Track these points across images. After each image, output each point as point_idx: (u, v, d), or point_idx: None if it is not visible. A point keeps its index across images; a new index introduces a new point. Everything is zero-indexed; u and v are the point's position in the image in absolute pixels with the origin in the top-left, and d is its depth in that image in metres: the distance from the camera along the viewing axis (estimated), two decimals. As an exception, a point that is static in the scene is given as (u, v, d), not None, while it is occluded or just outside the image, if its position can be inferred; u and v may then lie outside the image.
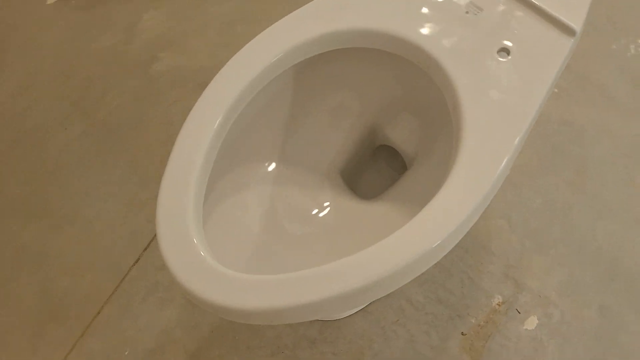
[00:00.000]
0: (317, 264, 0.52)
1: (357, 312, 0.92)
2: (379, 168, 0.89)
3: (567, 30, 0.64)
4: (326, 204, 0.76)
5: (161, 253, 0.55)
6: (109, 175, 1.05)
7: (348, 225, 0.74)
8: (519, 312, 0.91)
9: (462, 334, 0.90)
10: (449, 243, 0.55)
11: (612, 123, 1.02)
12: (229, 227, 0.68)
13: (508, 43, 0.64)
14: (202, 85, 1.12)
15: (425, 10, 0.66)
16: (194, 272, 0.54)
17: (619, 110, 1.02)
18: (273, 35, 0.66)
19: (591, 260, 0.93)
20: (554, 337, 0.88)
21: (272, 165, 0.74)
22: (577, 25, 0.64)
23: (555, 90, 1.06)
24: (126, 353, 0.92)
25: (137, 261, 0.98)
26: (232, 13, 1.18)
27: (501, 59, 0.63)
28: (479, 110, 0.60)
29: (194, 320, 0.93)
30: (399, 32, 0.65)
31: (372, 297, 0.55)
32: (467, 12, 0.66)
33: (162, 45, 1.17)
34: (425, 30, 0.65)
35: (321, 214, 0.74)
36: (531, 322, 0.90)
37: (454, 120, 0.61)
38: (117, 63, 1.16)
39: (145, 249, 0.99)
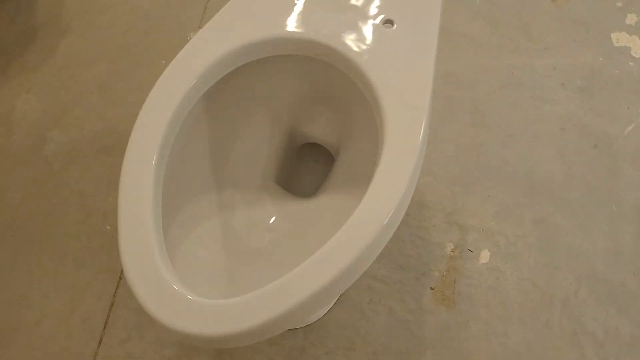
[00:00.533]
0: (287, 269, 0.54)
1: (332, 307, 0.95)
2: (309, 166, 0.93)
3: None
4: (273, 212, 0.78)
5: (136, 296, 0.54)
6: (39, 272, 0.99)
7: (300, 226, 0.77)
8: (472, 251, 0.98)
9: (431, 288, 0.96)
10: (400, 211, 0.59)
11: (484, 62, 1.13)
12: (196, 265, 0.68)
13: (389, 14, 0.70)
14: (103, 150, 1.10)
15: (309, 8, 0.70)
16: (166, 305, 0.54)
17: (485, 50, 1.14)
18: (178, 69, 0.67)
19: (511, 183, 1.02)
20: (508, 260, 0.97)
21: (213, 194, 0.75)
22: None
23: (429, 49, 1.16)
24: None
25: (100, 343, 0.94)
26: (104, 73, 1.16)
27: (388, 29, 0.69)
28: (386, 80, 0.65)
29: (181, 376, 0.91)
30: (290, 34, 0.69)
31: (340, 289, 0.57)
32: None
33: (48, 126, 1.12)
34: (316, 26, 0.69)
35: (271, 222, 0.76)
36: (484, 256, 0.97)
37: (369, 97, 0.66)
38: (5, 158, 1.10)
39: (105, 327, 0.95)
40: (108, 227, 1.02)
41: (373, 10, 0.70)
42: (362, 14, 0.70)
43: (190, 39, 0.70)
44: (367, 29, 0.69)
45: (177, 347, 0.93)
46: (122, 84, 1.15)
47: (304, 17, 0.69)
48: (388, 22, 0.69)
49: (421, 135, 0.62)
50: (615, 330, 0.90)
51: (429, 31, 0.69)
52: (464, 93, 1.11)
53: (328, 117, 0.84)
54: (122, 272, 1.00)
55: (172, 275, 0.55)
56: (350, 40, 0.67)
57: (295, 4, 0.70)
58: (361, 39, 0.68)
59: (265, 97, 0.80)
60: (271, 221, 0.77)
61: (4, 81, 1.16)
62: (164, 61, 1.16)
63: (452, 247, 0.98)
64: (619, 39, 1.14)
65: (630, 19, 1.16)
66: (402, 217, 0.61)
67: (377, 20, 0.69)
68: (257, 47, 0.68)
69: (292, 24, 0.69)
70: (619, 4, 1.18)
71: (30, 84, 1.16)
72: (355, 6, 0.70)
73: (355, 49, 0.67)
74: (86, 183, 1.06)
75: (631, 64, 1.12)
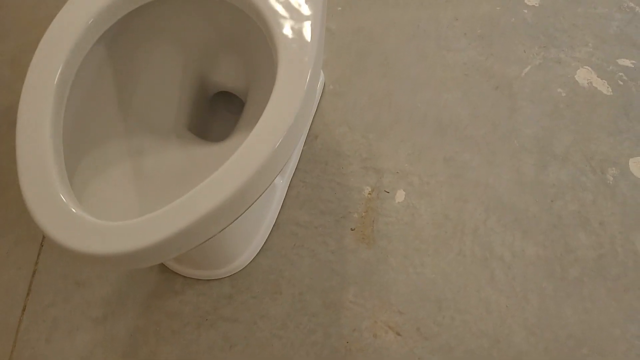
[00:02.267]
0: None
1: (257, 254, 0.97)
2: (222, 115, 0.95)
3: None
4: (181, 156, 0.80)
5: (37, 223, 0.55)
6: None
7: (207, 166, 0.79)
8: (388, 192, 1.03)
9: (351, 229, 1.00)
10: (290, 139, 0.62)
11: (391, 16, 1.18)
12: (105, 205, 0.69)
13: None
14: (15, 124, 1.08)
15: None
16: (65, 226, 0.55)
17: (391, 5, 1.20)
18: (69, 14, 0.68)
19: (422, 126, 1.08)
20: (422, 198, 1.02)
21: (122, 139, 0.76)
22: None
23: (339, 8, 1.20)
24: (54, 398, 0.87)
25: (24, 309, 0.93)
26: (14, 47, 1.14)
27: None
28: (279, 14, 0.68)
29: (109, 334, 0.91)
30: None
31: (236, 210, 0.60)
32: None
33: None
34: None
35: (180, 165, 0.78)
36: (400, 195, 1.02)
37: (264, 31, 0.68)
38: None
39: (28, 294, 0.94)
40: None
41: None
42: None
43: None
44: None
45: (104, 307, 0.93)
46: (30, 58, 1.13)
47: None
48: None
49: (309, 71, 0.64)
50: (521, 252, 0.97)
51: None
52: (374, 47, 1.16)
53: (236, 64, 0.86)
54: (43, 238, 0.99)
55: (72, 200, 0.57)
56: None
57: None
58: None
59: (172, 41, 0.81)
60: (179, 164, 0.79)
61: None
62: (75, 31, 1.15)
63: (369, 189, 1.03)
64: (514, -11, 1.22)
65: (523, -29, 1.25)
66: (296, 141, 0.64)
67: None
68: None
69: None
70: (512, -42, 1.26)
71: None
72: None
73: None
74: (1, 155, 1.04)
75: (525, 11, 1.20)
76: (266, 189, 0.62)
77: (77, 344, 0.91)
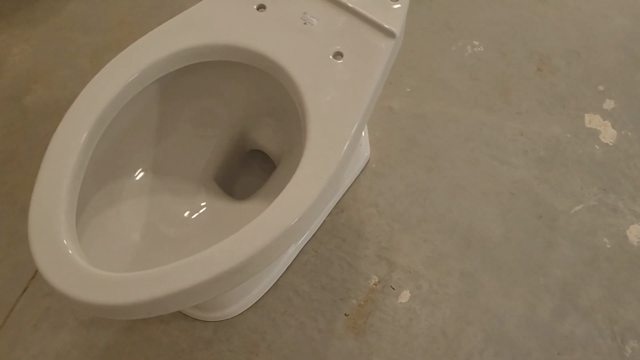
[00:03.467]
0: None
1: (248, 308, 0.98)
2: (253, 171, 0.97)
3: (389, 34, 0.75)
4: (201, 206, 0.82)
5: (33, 257, 0.58)
6: (-13, 210, 1.05)
7: (222, 224, 0.81)
8: (394, 289, 1.01)
9: (345, 314, 0.98)
10: (306, 220, 0.63)
11: (456, 112, 1.16)
12: (106, 239, 0.72)
13: (341, 47, 0.74)
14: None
15: (268, 25, 0.75)
16: (64, 273, 0.58)
17: (460, 101, 1.17)
18: (132, 53, 0.72)
19: (449, 233, 1.05)
20: (425, 305, 0.99)
21: (146, 177, 0.79)
22: (396, 28, 0.75)
23: (408, 89, 1.19)
24: (20, 383, 0.92)
25: (24, 291, 0.98)
26: (99, 42, 1.22)
27: (337, 61, 0.73)
28: (321, 106, 0.69)
29: (89, 341, 0.95)
30: (248, 45, 0.73)
31: (231, 283, 0.61)
32: (304, 23, 0.75)
33: (34, 78, 1.18)
34: (270, 42, 0.73)
35: (196, 216, 0.80)
36: (404, 296, 1.00)
37: (301, 117, 0.70)
38: (-13, 98, 1.16)
39: (32, 278, 0.99)
40: (62, 185, 1.07)
41: (328, 40, 0.74)
42: (317, 41, 0.74)
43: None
44: (317, 56, 0.72)
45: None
46: (114, 55, 1.20)
47: (261, 31, 0.74)
48: (338, 53, 0.73)
49: (341, 156, 0.65)
50: (508, 396, 0.92)
51: (373, 71, 0.72)
52: (429, 138, 1.14)
53: (275, 129, 0.88)
54: (63, 229, 1.04)
55: (76, 249, 0.59)
56: (297, 61, 0.72)
57: (257, 19, 0.75)
58: (309, 64, 0.72)
59: (221, 97, 0.84)
60: (194, 215, 0.81)
61: (6, 27, 1.22)
62: (157, 43, 1.21)
63: (377, 280, 1.01)
64: (592, 120, 1.16)
65: (608, 104, 1.19)
66: (314, 219, 0.65)
67: (328, 50, 0.73)
68: (209, 49, 0.72)
69: (250, 36, 0.73)
70: (601, 87, 1.21)
71: (29, 35, 1.22)
72: (312, 33, 0.74)
73: (301, 71, 0.71)
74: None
75: (597, 147, 1.14)
76: (276, 259, 0.64)
77: (58, 340, 0.95)
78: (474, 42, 1.24)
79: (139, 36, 1.23)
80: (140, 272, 0.58)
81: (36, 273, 1.00)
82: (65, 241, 0.59)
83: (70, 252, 0.58)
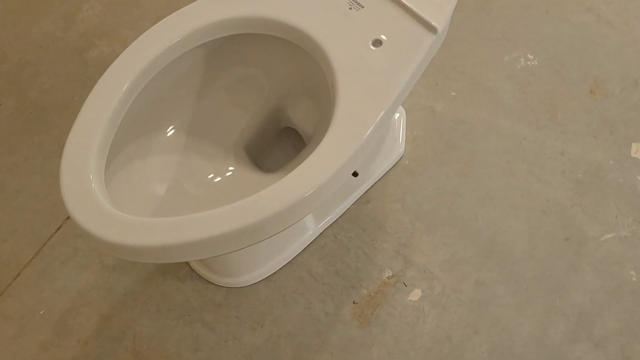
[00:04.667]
0: None
1: (261, 280, 1.01)
2: (285, 149, 0.99)
3: (431, 28, 0.75)
4: (228, 172, 0.86)
5: (62, 197, 0.63)
6: (36, 151, 1.12)
7: (244, 191, 0.83)
8: (406, 285, 1.01)
9: (354, 302, 1.00)
10: (320, 194, 0.65)
11: (499, 123, 1.15)
12: (132, 187, 0.76)
13: (381, 36, 0.75)
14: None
15: (315, 4, 0.77)
16: (91, 214, 0.62)
17: (505, 113, 1.16)
18: (179, 18, 0.75)
19: (472, 240, 1.04)
20: (435, 307, 0.99)
21: (179, 135, 0.83)
22: (439, 25, 0.75)
23: (453, 93, 1.19)
24: (41, 312, 0.98)
25: (58, 229, 1.04)
26: (166, 7, 1.27)
27: (374, 48, 0.74)
28: (352, 89, 0.71)
29: (109, 284, 1.00)
30: (291, 21, 0.75)
31: (244, 241, 0.64)
32: (350, 8, 0.77)
33: (99, 34, 1.24)
34: (314, 21, 0.75)
35: (219, 180, 0.83)
36: (416, 294, 1.00)
37: (332, 97, 0.72)
38: (54, 48, 1.23)
39: (67, 218, 1.05)
40: (108, 137, 1.13)
41: (370, 27, 0.75)
42: (359, 26, 0.75)
43: None
44: (356, 41, 0.74)
45: (117, 261, 1.02)
46: (175, 23, 1.26)
47: (306, 10, 0.76)
48: (377, 41, 0.74)
49: (364, 137, 0.67)
50: (503, 411, 0.91)
51: (408, 63, 0.73)
52: (467, 144, 1.13)
53: (309, 108, 0.90)
54: (102, 178, 1.10)
55: (101, 190, 0.64)
56: (336, 43, 0.73)
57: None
58: (347, 47, 0.73)
59: (264, 68, 0.87)
60: (218, 179, 0.84)
61: (80, -16, 1.30)
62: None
63: (390, 274, 1.02)
64: (639, 150, 1.12)
65: (659, 136, 1.15)
66: (317, 202, 0.67)
67: (368, 37, 0.75)
68: (255, 22, 0.75)
69: (293, 13, 0.75)
70: (655, 118, 1.16)
71: (100, -6, 1.29)
72: (356, 18, 0.76)
73: (338, 52, 0.73)
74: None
75: (639, 177, 1.10)
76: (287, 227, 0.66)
77: (81, 279, 1.01)
78: (529, 55, 1.22)
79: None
80: (156, 219, 0.62)
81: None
82: (93, 184, 0.63)
83: (95, 191, 0.62)
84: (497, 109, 1.17)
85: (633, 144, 1.13)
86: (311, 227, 1.02)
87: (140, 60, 0.72)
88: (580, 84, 1.19)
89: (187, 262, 1.02)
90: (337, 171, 0.66)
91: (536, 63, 1.22)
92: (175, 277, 1.01)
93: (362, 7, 0.77)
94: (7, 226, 1.05)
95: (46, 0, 1.29)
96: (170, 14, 1.16)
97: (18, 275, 1.01)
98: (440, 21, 0.76)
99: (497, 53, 1.23)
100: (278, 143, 0.99)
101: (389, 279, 1.02)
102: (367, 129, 0.68)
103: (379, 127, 0.70)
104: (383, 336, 0.97)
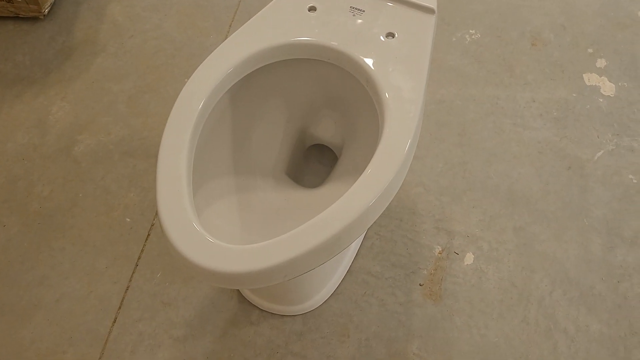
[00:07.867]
0: None
1: (329, 297, 1.04)
2: (313, 166, 1.04)
3: (429, 10, 0.85)
4: (283, 196, 0.89)
5: (163, 231, 0.64)
6: (60, 257, 1.08)
7: (306, 208, 0.88)
8: (457, 254, 1.08)
9: (420, 285, 1.05)
10: (388, 192, 0.71)
11: (472, 93, 1.28)
12: (213, 230, 0.78)
13: (391, 29, 0.84)
14: (127, 153, 1.22)
15: (323, 21, 0.84)
16: (194, 246, 0.64)
17: (473, 83, 1.29)
18: (212, 64, 0.80)
19: (494, 196, 1.14)
20: (490, 263, 1.07)
21: (231, 177, 0.86)
22: (433, 5, 0.86)
23: (423, 81, 1.30)
24: (132, 406, 0.94)
25: (115, 321, 1.02)
26: (132, 88, 1.30)
27: (390, 40, 0.83)
28: (388, 77, 0.78)
29: (187, 354, 0.99)
30: (311, 40, 0.82)
31: (334, 250, 0.68)
32: (353, 15, 0.85)
33: (78, 130, 1.24)
34: (330, 34, 0.82)
35: (282, 204, 0.87)
36: (469, 258, 1.08)
37: (372, 93, 0.79)
38: (37, 156, 1.21)
39: (120, 307, 1.03)
40: (128, 220, 1.12)
41: (378, 24, 0.84)
42: (368, 26, 0.84)
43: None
44: (372, 38, 0.82)
45: (186, 328, 1.01)
46: (148, 97, 1.28)
47: (319, 27, 0.83)
48: (390, 34, 0.83)
49: (416, 122, 0.74)
50: (585, 327, 1.00)
51: (424, 43, 0.82)
52: (453, 118, 1.24)
53: (336, 120, 0.97)
54: (138, 259, 1.09)
55: (199, 224, 0.66)
56: (357, 46, 0.81)
57: (312, 19, 0.84)
58: (367, 46, 0.81)
59: (282, 98, 0.93)
60: (282, 203, 0.88)
61: (41, 90, 1.29)
62: (186, 80, 1.30)
63: (440, 249, 1.09)
64: (590, 79, 1.29)
65: (600, 62, 1.32)
66: (392, 195, 0.73)
67: (381, 32, 0.83)
68: (276, 50, 0.81)
69: (306, 33, 0.83)
70: (590, 50, 1.35)
71: (65, 93, 1.29)
72: (363, 21, 0.84)
73: (362, 53, 0.80)
74: (110, 180, 1.17)
75: (600, 100, 1.26)
76: (361, 234, 0.70)
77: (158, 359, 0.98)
78: (470, 31, 1.37)
79: (167, 78, 1.32)
80: (260, 244, 0.65)
81: (122, 303, 1.04)
82: (192, 222, 0.65)
83: (197, 228, 0.65)
84: (465, 82, 1.29)
85: (583, 75, 1.30)
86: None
87: (191, 116, 0.75)
88: (522, 41, 1.36)
89: (255, 305, 1.03)
90: (401, 165, 0.72)
91: (479, 35, 1.37)
92: (249, 323, 1.02)
93: (363, 10, 0.86)
94: (60, 338, 1.00)
95: (11, 114, 1.26)
96: (139, 92, 1.20)
97: (92, 379, 0.97)
98: (432, 1, 0.86)
99: (444, 37, 1.37)
100: (305, 161, 1.04)
101: (440, 253, 1.08)
102: (417, 106, 0.76)
103: (423, 104, 0.78)
104: (458, 304, 1.03)
